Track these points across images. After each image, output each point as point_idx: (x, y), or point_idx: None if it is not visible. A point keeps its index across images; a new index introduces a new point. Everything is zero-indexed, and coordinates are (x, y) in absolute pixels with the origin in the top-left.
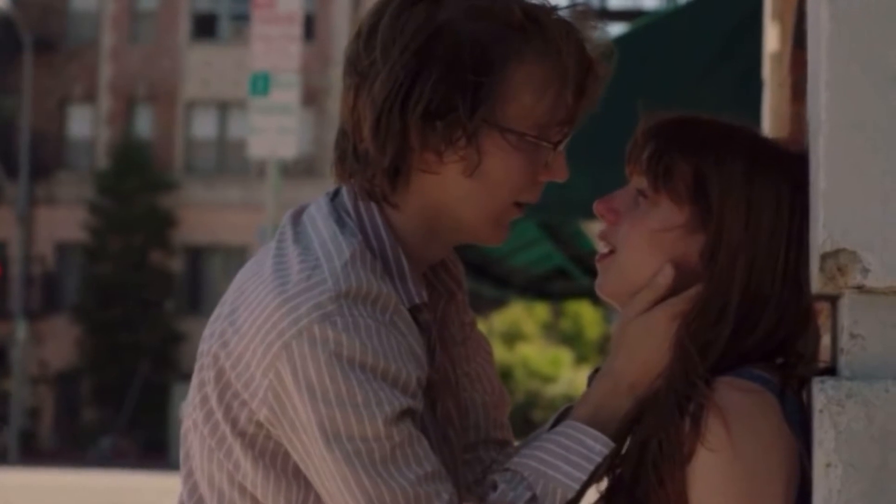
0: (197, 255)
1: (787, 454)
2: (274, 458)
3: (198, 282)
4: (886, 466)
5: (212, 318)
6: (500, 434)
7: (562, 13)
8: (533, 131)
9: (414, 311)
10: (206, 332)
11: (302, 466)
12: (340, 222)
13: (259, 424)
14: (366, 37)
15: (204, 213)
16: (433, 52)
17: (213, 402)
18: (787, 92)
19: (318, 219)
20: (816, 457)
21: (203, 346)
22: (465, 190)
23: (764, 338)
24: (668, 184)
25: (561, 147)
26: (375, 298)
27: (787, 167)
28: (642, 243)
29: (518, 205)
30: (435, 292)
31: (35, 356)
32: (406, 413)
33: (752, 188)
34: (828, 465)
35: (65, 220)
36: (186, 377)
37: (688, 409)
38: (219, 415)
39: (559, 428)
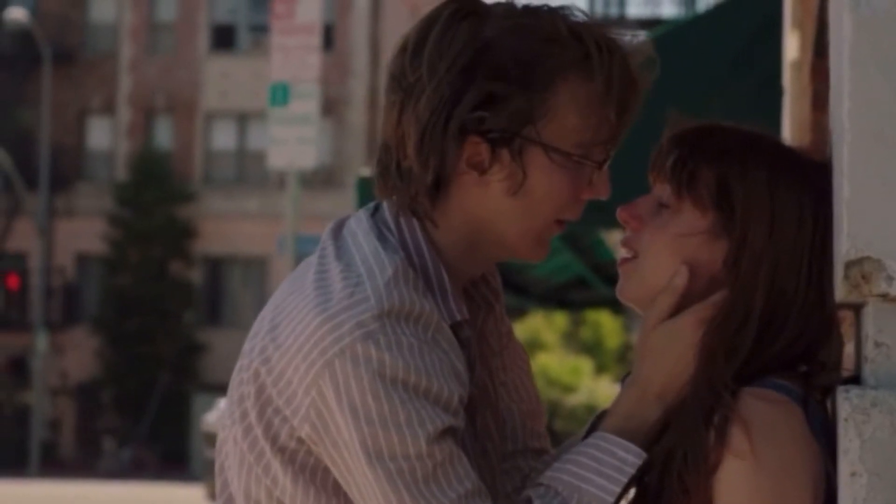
0: (216, 266)
1: (812, 464)
2: (314, 473)
3: (217, 293)
4: None
5: (251, 333)
6: (536, 443)
7: (606, 31)
8: (577, 150)
9: (455, 327)
10: (246, 346)
11: (343, 483)
12: (382, 238)
13: (300, 440)
14: (412, 52)
15: (223, 224)
16: (479, 69)
17: (253, 417)
18: (808, 100)
19: (360, 234)
20: (841, 465)
21: (243, 361)
22: (508, 208)
23: (787, 346)
24: (691, 190)
25: (605, 166)
26: (418, 316)
27: (810, 176)
28: (665, 249)
29: (559, 222)
30: (474, 305)
31: (55, 367)
32: (448, 431)
33: (776, 196)
34: (853, 474)
35: (84, 232)
36: (206, 388)
37: (712, 419)
38: (258, 430)
39: (590, 440)
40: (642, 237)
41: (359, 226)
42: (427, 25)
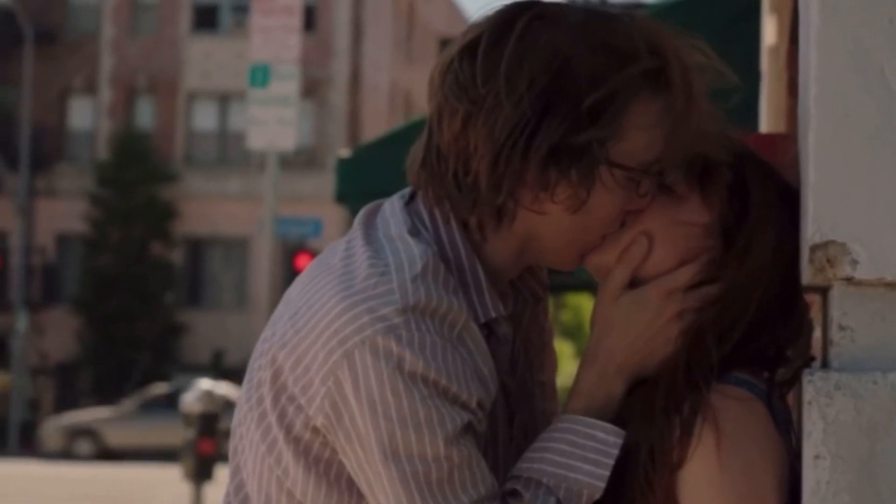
0: (197, 247)
1: (777, 462)
2: (328, 467)
3: (198, 273)
4: (874, 458)
5: (274, 316)
6: None
7: (682, 44)
8: (641, 167)
9: (491, 324)
10: (268, 331)
11: (353, 475)
12: (414, 230)
13: (315, 430)
14: (483, 59)
15: (204, 205)
16: (559, 90)
17: (268, 404)
18: (784, 86)
19: (392, 224)
20: (805, 448)
21: (263, 346)
22: (565, 225)
23: (759, 350)
24: (705, 183)
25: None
26: (444, 314)
27: None
28: (655, 227)
29: (604, 237)
30: (521, 297)
31: (35, 347)
32: (467, 431)
33: (785, 208)
34: (816, 457)
35: (65, 212)
36: (186, 369)
37: (680, 415)
38: (272, 418)
39: (562, 425)
40: (639, 213)
41: (392, 215)
42: (502, 30)
